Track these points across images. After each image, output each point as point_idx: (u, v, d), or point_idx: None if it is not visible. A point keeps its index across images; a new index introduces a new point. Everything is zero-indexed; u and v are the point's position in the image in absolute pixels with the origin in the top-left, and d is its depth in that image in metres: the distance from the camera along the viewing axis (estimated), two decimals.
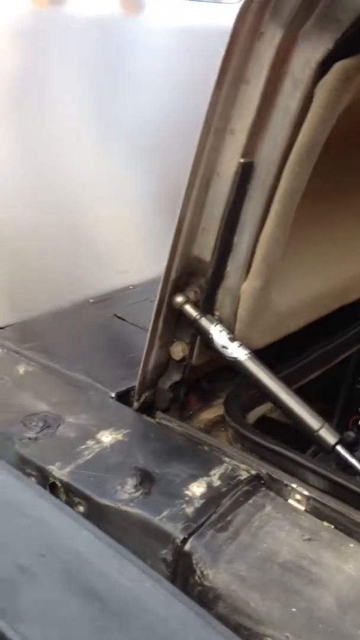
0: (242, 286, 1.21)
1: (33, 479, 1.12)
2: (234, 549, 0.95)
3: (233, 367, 1.20)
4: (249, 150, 1.09)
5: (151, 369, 1.30)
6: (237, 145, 1.08)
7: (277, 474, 1.10)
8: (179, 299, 1.21)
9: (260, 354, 1.28)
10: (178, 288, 1.22)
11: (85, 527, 0.91)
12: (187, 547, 0.96)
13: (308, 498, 1.06)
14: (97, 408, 1.28)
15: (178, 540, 0.96)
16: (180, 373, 1.32)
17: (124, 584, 0.81)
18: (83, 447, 1.15)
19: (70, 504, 1.07)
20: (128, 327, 1.65)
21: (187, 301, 1.21)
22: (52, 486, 1.10)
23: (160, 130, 2.05)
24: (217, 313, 1.26)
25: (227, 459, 1.14)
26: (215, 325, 1.19)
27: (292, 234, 1.32)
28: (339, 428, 2.28)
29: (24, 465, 1.14)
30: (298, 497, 1.07)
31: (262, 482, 1.10)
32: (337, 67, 0.98)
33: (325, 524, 1.02)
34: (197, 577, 0.93)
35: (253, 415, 1.41)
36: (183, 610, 0.79)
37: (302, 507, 1.06)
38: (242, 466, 1.12)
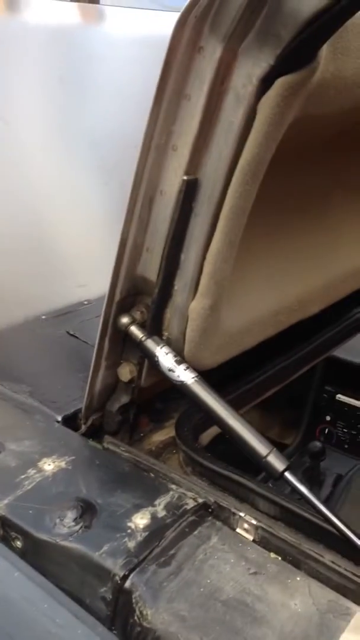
0: (190, 305, 1.17)
1: None
2: (175, 586, 0.91)
3: (179, 392, 1.16)
4: (192, 167, 1.05)
5: (98, 391, 1.26)
6: (180, 162, 1.05)
7: (226, 501, 1.07)
8: (124, 319, 1.17)
9: (214, 372, 1.25)
10: (124, 308, 1.18)
11: (17, 567, 0.86)
12: (127, 584, 0.91)
13: (256, 527, 1.02)
14: (41, 433, 1.23)
15: (117, 578, 0.91)
16: (129, 395, 1.28)
17: (52, 632, 0.76)
18: (23, 476, 1.10)
19: (7, 539, 1.02)
20: (80, 345, 1.60)
21: (133, 322, 1.17)
22: None
23: (121, 141, 2.00)
24: (165, 333, 1.22)
25: (173, 487, 1.09)
26: (161, 348, 1.15)
27: (242, 250, 1.28)
28: (307, 436, 2.28)
29: None
30: (246, 526, 1.03)
31: (210, 510, 1.06)
32: (279, 83, 0.95)
33: (273, 555, 0.98)
34: (136, 617, 0.89)
35: (206, 437, 1.37)
36: None
37: (250, 537, 1.03)
38: (189, 494, 1.08)
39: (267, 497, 1.10)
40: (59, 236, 2.02)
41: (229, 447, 1.52)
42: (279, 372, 1.62)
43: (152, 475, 1.13)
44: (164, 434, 1.38)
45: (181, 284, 1.17)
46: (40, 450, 1.17)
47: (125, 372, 1.24)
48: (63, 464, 1.14)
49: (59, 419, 1.29)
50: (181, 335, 1.21)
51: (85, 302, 1.84)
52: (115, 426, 1.29)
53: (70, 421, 1.29)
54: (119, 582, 0.91)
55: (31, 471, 1.12)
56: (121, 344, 1.22)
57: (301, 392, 2.18)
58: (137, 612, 0.89)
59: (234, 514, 1.04)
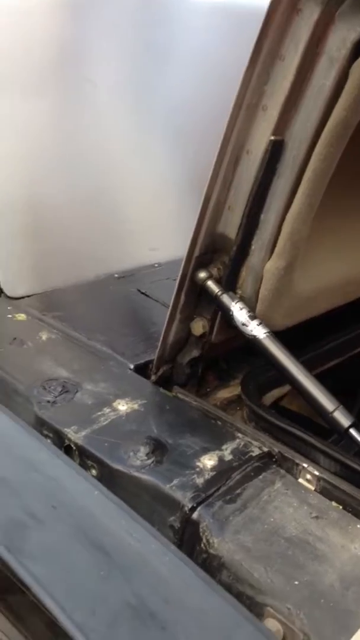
0: (265, 265, 1.21)
1: (49, 440, 1.15)
2: (240, 520, 0.96)
3: (251, 347, 1.20)
4: (280, 127, 1.09)
5: (171, 343, 1.31)
6: (269, 122, 1.08)
7: (289, 453, 1.11)
8: (202, 274, 1.22)
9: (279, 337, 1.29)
10: (202, 264, 1.23)
11: (97, 487, 0.93)
12: (194, 515, 0.97)
13: (318, 478, 1.06)
14: (115, 378, 1.30)
15: (186, 508, 0.97)
16: (200, 349, 1.33)
17: (131, 543, 0.83)
18: (99, 413, 1.17)
19: (84, 467, 1.09)
20: (150, 302, 1.67)
21: (210, 277, 1.22)
22: (67, 449, 1.12)
23: (198, 109, 2.04)
24: (239, 291, 1.27)
25: (240, 435, 1.14)
26: (236, 303, 1.19)
27: (319, 217, 1.31)
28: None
29: (41, 427, 1.16)
30: (308, 476, 1.07)
31: (274, 460, 1.11)
32: None
33: (334, 504, 1.02)
34: (202, 545, 0.94)
35: (269, 398, 1.42)
36: (187, 574, 0.81)
37: (311, 487, 1.07)
38: (255, 443, 1.13)
39: (328, 453, 1.14)
40: (133, 201, 2.07)
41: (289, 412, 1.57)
42: (341, 345, 1.64)
43: (219, 423, 1.19)
44: (228, 392, 1.43)
45: (258, 244, 1.21)
46: (114, 392, 1.24)
47: (198, 326, 1.29)
48: (136, 406, 1.21)
49: (131, 367, 1.35)
50: (254, 294, 1.25)
51: (156, 265, 1.90)
52: (184, 378, 1.35)
53: (141, 370, 1.35)
54: (187, 512, 0.97)
55: (106, 409, 1.19)
56: (196, 299, 1.27)
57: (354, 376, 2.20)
58: (204, 541, 0.95)
59: (297, 464, 1.09)
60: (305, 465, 1.08)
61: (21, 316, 1.54)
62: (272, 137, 1.09)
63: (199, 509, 0.98)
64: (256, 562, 0.90)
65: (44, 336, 1.45)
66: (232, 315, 1.19)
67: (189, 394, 1.29)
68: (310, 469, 1.07)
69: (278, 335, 1.24)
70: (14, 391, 1.24)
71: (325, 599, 0.85)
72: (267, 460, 1.10)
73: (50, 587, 0.70)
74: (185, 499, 0.98)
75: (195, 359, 1.34)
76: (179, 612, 0.75)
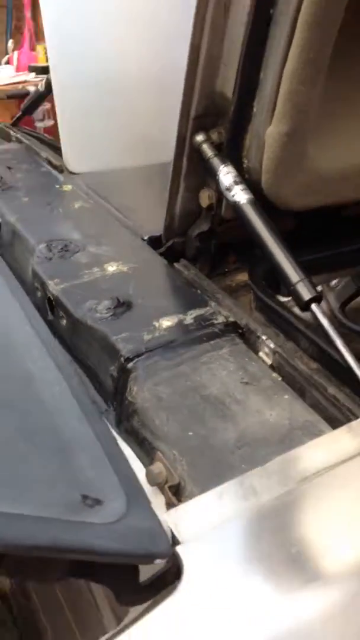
0: (267, 130, 1.13)
1: (38, 292, 1.22)
2: (167, 374, 0.96)
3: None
4: None
5: (179, 214, 1.29)
6: None
7: (255, 326, 1.06)
8: (199, 137, 1.17)
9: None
10: (201, 127, 1.18)
11: (31, 324, 0.98)
12: (129, 365, 0.98)
13: (274, 352, 1.01)
14: (121, 244, 1.32)
15: (123, 359, 0.99)
16: (209, 223, 1.30)
17: (31, 370, 0.87)
18: (87, 271, 1.21)
19: (58, 318, 1.15)
20: None
21: (207, 141, 1.16)
22: (49, 301, 1.18)
23: None
24: (245, 161, 1.20)
25: (213, 304, 1.11)
26: (224, 166, 1.13)
27: (345, 91, 1.18)
28: None
29: (34, 278, 1.23)
30: (266, 350, 1.03)
31: (240, 332, 1.07)
32: None
33: (274, 375, 0.97)
34: (127, 393, 0.96)
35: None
36: (70, 405, 0.83)
37: (269, 361, 1.02)
38: (224, 313, 1.09)
39: (309, 337, 1.07)
40: None
41: None
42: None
43: (198, 291, 1.16)
44: (246, 275, 1.38)
45: (260, 106, 1.13)
46: (112, 255, 1.26)
47: (205, 197, 1.25)
48: (125, 269, 1.22)
49: (145, 237, 1.36)
50: (259, 164, 1.17)
51: None
52: (193, 252, 1.33)
53: (155, 243, 1.35)
54: (123, 362, 0.99)
55: (95, 269, 1.22)
56: (201, 167, 1.22)
57: None
58: (129, 389, 0.96)
59: (258, 337, 1.04)
60: (264, 337, 1.03)
61: (67, 187, 1.60)
62: None
63: (135, 360, 0.99)
64: (162, 410, 0.90)
65: (77, 205, 1.50)
66: (217, 179, 1.13)
67: (191, 266, 1.27)
68: (268, 342, 1.02)
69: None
70: (26, 247, 1.32)
71: (212, 451, 0.83)
72: (230, 329, 1.06)
73: None
74: (124, 349, 1.00)
75: (205, 233, 1.31)
76: (50, 439, 0.78)
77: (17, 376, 0.84)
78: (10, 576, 0.72)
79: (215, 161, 1.14)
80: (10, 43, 5.37)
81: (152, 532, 0.67)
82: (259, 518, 0.73)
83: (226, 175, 1.12)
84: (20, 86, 4.53)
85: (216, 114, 1.17)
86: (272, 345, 1.01)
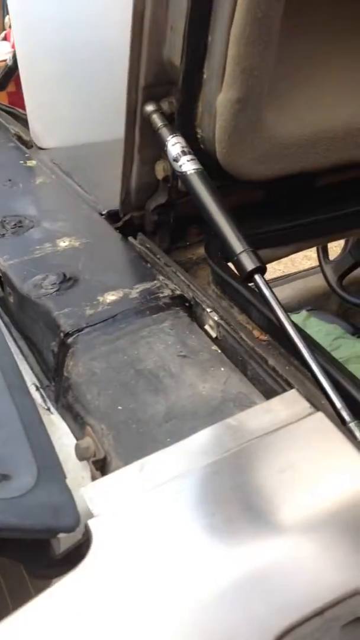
0: (217, 98, 1.09)
1: None
2: (105, 349, 0.94)
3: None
4: None
5: (135, 187, 1.27)
6: None
7: (201, 298, 1.04)
8: (149, 107, 1.14)
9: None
10: (151, 97, 1.14)
11: None
12: (69, 340, 0.97)
13: (218, 324, 0.99)
14: (76, 219, 1.30)
15: (63, 334, 0.98)
16: (166, 195, 1.27)
17: None
18: (37, 247, 1.19)
19: (6, 294, 1.14)
20: None
21: (157, 111, 1.13)
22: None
23: None
24: (198, 131, 1.17)
25: (161, 278, 1.09)
26: (172, 137, 1.10)
27: (300, 50, 1.14)
28: None
29: None
30: (211, 322, 1.01)
31: (187, 304, 1.05)
32: None
33: (214, 347, 0.95)
34: (64, 369, 0.95)
35: None
36: None
37: (214, 334, 1.00)
38: (171, 286, 1.07)
39: (260, 309, 1.05)
40: None
41: None
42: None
43: (148, 265, 1.14)
44: None
45: (209, 72, 1.09)
46: (66, 231, 1.25)
47: (160, 169, 1.23)
48: (77, 244, 1.20)
49: (104, 212, 1.34)
50: (212, 133, 1.14)
51: None
52: (151, 226, 1.30)
53: (113, 217, 1.33)
54: (63, 337, 0.97)
55: (47, 244, 1.20)
56: (155, 138, 1.19)
57: None
58: (66, 364, 0.95)
59: (204, 310, 1.02)
60: (208, 310, 1.01)
61: (32, 162, 1.58)
62: None
63: (74, 335, 0.97)
64: (94, 385, 0.89)
65: (38, 180, 1.48)
66: (165, 150, 1.10)
67: (147, 240, 1.25)
68: (213, 314, 1.00)
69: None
70: None
71: (138, 425, 0.82)
72: (176, 302, 1.04)
73: None
74: (65, 324, 0.98)
75: (162, 206, 1.28)
76: None
77: None
78: None
79: (164, 131, 1.11)
80: (7, 19, 5.29)
81: (58, 506, 0.66)
82: (179, 488, 0.72)
83: (174, 145, 1.10)
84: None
85: (166, 82, 1.13)
86: (216, 318, 0.99)
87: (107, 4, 1.65)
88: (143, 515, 0.69)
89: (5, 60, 4.85)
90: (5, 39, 5.12)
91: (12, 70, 1.93)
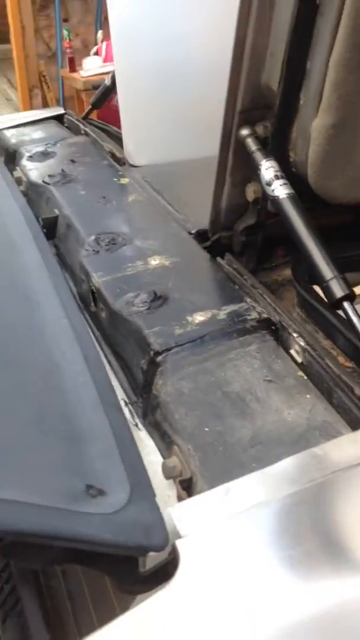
0: (313, 123, 1.10)
1: (84, 284, 1.26)
2: (193, 370, 0.97)
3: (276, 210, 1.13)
4: None
5: (225, 208, 1.29)
6: None
7: (287, 322, 1.05)
8: (244, 131, 1.16)
9: None
10: (247, 121, 1.16)
11: (68, 317, 1.01)
12: (158, 359, 1.00)
13: (304, 350, 0.99)
14: (168, 238, 1.33)
15: (153, 352, 1.01)
16: (255, 216, 1.28)
17: (60, 363, 0.90)
18: (131, 264, 1.23)
19: (99, 309, 1.18)
20: None
21: (252, 135, 1.15)
22: (92, 293, 1.22)
23: None
24: (292, 154, 1.18)
25: (248, 300, 1.11)
26: (267, 161, 1.12)
27: None
28: None
29: (81, 270, 1.27)
30: (297, 347, 1.01)
31: (273, 328, 1.06)
32: None
33: (300, 373, 0.95)
34: (153, 387, 0.98)
35: None
36: (91, 396, 0.85)
37: (299, 359, 1.00)
38: (258, 309, 1.08)
39: (346, 336, 1.04)
40: None
41: None
42: None
43: (236, 287, 1.16)
44: None
45: (306, 98, 1.10)
46: (156, 249, 1.28)
47: (250, 191, 1.24)
48: (167, 263, 1.24)
49: (192, 231, 1.36)
50: (305, 157, 1.15)
51: None
52: (239, 247, 1.32)
53: (202, 237, 1.36)
54: (152, 356, 1.00)
55: (138, 262, 1.24)
56: (247, 161, 1.21)
57: None
58: (155, 382, 0.98)
59: (290, 334, 1.03)
60: (295, 335, 1.01)
61: (124, 180, 1.63)
62: None
63: (164, 354, 1.00)
64: (182, 405, 0.91)
65: (130, 198, 1.53)
66: (259, 174, 1.12)
67: (234, 261, 1.26)
68: (299, 339, 1.01)
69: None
70: (77, 239, 1.36)
71: (224, 448, 0.83)
72: (263, 325, 1.05)
73: None
74: (155, 343, 1.01)
75: (251, 227, 1.30)
76: (63, 428, 0.80)
77: (42, 367, 0.87)
78: (5, 557, 0.75)
79: (258, 155, 1.12)
80: (100, 34, 5.46)
81: (149, 524, 0.68)
82: (263, 516, 0.73)
83: (267, 169, 1.11)
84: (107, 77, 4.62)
85: (262, 107, 1.15)
86: (302, 343, 0.99)
87: (204, 25, 1.69)
88: (227, 541, 0.71)
89: (97, 74, 5.00)
90: (97, 53, 5.29)
91: (109, 90, 2.00)
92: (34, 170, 1.73)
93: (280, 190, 1.09)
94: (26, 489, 0.65)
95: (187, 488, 0.82)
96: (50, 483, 0.69)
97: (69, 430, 0.78)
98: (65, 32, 5.31)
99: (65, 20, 5.44)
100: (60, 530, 0.60)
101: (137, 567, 0.71)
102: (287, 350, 1.02)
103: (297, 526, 0.73)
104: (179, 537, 0.71)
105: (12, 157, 1.93)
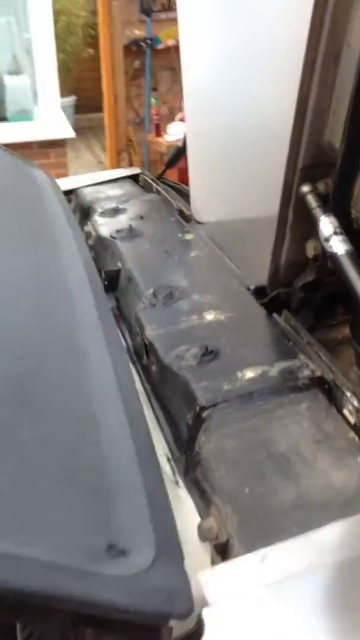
0: None
1: (138, 337, 1.26)
2: (238, 426, 0.93)
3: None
4: None
5: (284, 264, 1.27)
6: None
7: (341, 381, 1.00)
8: (305, 188, 1.15)
9: None
10: (308, 178, 1.15)
11: (115, 369, 1.00)
12: (204, 414, 0.97)
13: (358, 410, 0.94)
14: (225, 293, 1.32)
15: (198, 407, 0.98)
16: (314, 273, 1.25)
17: (97, 413, 0.88)
18: (184, 319, 1.23)
19: (150, 362, 1.17)
20: None
21: (312, 191, 1.14)
22: (145, 346, 1.21)
23: None
24: (353, 211, 1.15)
25: (302, 357, 1.07)
26: (326, 216, 1.09)
27: None
28: None
29: (136, 323, 1.27)
30: (350, 407, 0.96)
31: (326, 387, 1.01)
32: None
33: (351, 434, 0.90)
34: (196, 443, 0.95)
35: None
36: (126, 451, 0.82)
37: (352, 419, 0.95)
38: (312, 366, 1.04)
39: None
40: None
41: None
42: None
43: (290, 344, 1.12)
44: None
45: None
46: (213, 304, 1.27)
47: (310, 247, 1.22)
48: (222, 317, 1.22)
49: (251, 287, 1.35)
50: None
51: None
52: (297, 303, 1.29)
53: (260, 293, 1.33)
54: (198, 411, 0.98)
55: (193, 316, 1.23)
56: (307, 217, 1.19)
57: None
58: (199, 438, 0.95)
59: (344, 393, 0.98)
60: (349, 394, 0.96)
61: (189, 236, 1.65)
62: None
63: (209, 410, 0.97)
64: (224, 464, 0.87)
65: (193, 253, 1.54)
66: (318, 229, 1.10)
67: (291, 318, 1.23)
68: (353, 399, 0.95)
69: None
70: (136, 293, 1.37)
71: (265, 511, 0.79)
72: (314, 384, 1.01)
73: None
74: (201, 398, 0.99)
75: (310, 284, 1.27)
76: (93, 482, 0.78)
77: (78, 418, 0.86)
78: (10, 616, 0.72)
79: (317, 212, 1.11)
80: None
81: (172, 590, 0.64)
82: (302, 586, 0.68)
83: (326, 225, 1.09)
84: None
85: (324, 164, 1.14)
86: (355, 403, 0.94)
87: (272, 92, 1.72)
88: (259, 612, 0.66)
89: (180, 139, 5.19)
90: (182, 120, 5.50)
91: (181, 151, 2.05)
92: (103, 226, 1.77)
93: (338, 246, 1.06)
94: (42, 545, 0.63)
95: (223, 552, 0.77)
96: (70, 540, 0.66)
97: (97, 485, 0.75)
98: (153, 100, 5.56)
99: (154, 89, 5.70)
100: (72, 592, 0.57)
101: (160, 636, 0.67)
102: (339, 410, 0.97)
103: (339, 599, 0.67)
104: (206, 605, 0.66)
105: (86, 213, 2.00)
